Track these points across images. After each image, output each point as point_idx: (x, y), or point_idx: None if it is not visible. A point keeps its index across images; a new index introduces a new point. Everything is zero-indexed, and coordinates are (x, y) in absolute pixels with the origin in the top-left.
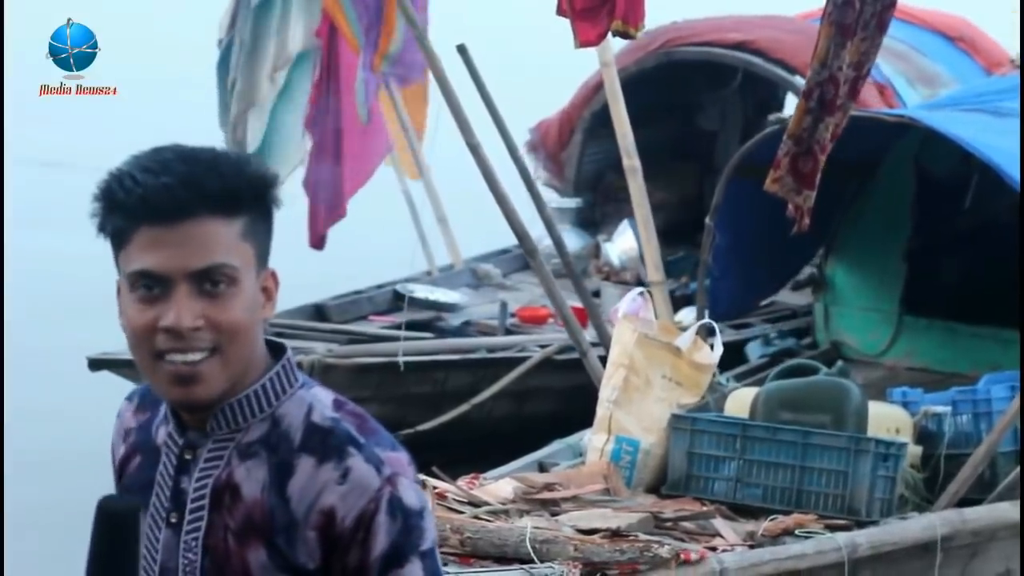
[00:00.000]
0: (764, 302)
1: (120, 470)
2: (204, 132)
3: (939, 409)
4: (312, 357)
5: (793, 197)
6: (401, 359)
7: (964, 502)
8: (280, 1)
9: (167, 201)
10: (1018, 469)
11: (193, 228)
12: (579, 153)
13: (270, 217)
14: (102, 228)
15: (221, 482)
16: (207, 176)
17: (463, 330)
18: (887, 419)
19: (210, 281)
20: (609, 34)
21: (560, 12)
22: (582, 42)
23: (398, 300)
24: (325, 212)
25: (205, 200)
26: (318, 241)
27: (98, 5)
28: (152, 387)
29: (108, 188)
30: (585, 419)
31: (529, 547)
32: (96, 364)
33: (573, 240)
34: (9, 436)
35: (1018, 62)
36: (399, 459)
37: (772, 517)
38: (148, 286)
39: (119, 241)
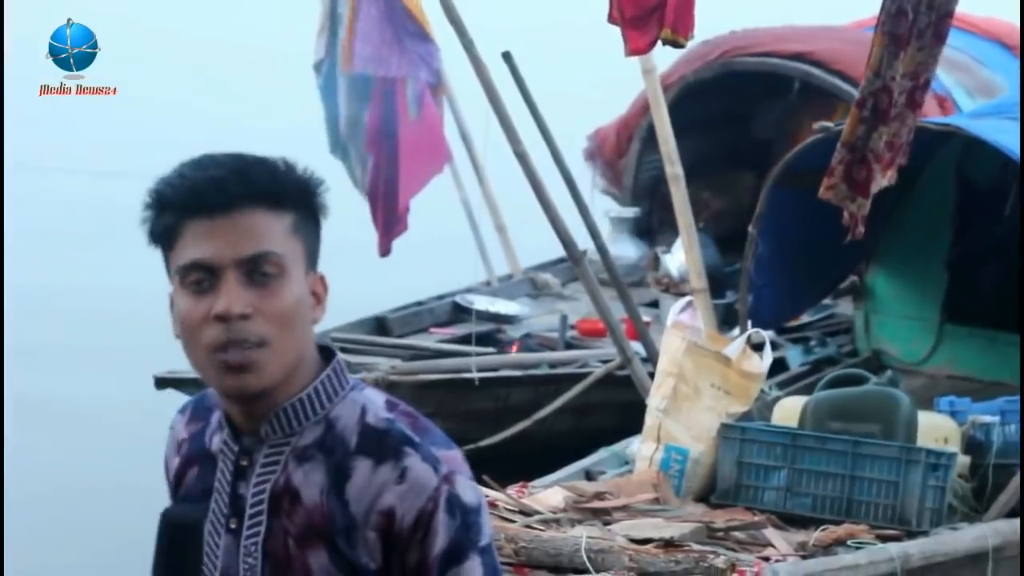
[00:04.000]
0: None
1: (176, 481)
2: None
3: (987, 419)
4: (376, 374)
5: (848, 204)
6: (476, 375)
7: (1014, 512)
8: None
9: (216, 192)
10: None
11: (242, 218)
12: (636, 161)
13: (317, 221)
14: (152, 232)
15: (279, 487)
16: (255, 170)
17: (523, 343)
18: (935, 429)
19: (259, 270)
20: (660, 43)
21: (611, 20)
22: (632, 50)
23: (459, 312)
24: (386, 224)
25: (253, 192)
26: (387, 250)
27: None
28: (206, 380)
29: (157, 190)
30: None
31: (584, 557)
32: (162, 383)
33: (631, 250)
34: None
35: None
36: (455, 457)
37: (823, 527)
38: (199, 279)
39: (169, 240)
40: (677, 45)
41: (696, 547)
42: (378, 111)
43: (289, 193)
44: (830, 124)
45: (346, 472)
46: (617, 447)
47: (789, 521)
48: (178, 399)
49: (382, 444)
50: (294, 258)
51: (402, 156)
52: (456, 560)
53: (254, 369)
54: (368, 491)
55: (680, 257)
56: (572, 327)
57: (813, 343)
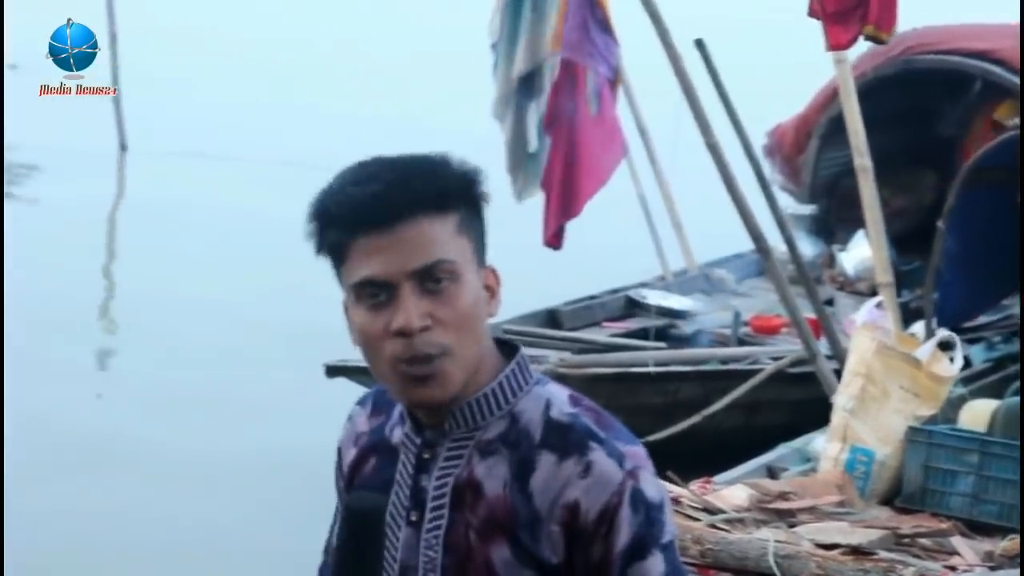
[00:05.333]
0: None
1: (351, 473)
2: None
3: None
4: (545, 367)
5: None
6: (653, 369)
7: None
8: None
9: (379, 207)
10: None
11: (408, 230)
12: (815, 158)
13: (481, 213)
14: (319, 247)
15: (462, 480)
16: (414, 177)
17: (695, 338)
18: None
19: (432, 279)
20: (861, 38)
21: (812, 14)
22: (833, 45)
23: (632, 306)
24: (560, 210)
25: (416, 200)
26: (553, 239)
27: None
28: (390, 392)
29: (320, 205)
30: (814, 430)
31: (772, 562)
32: (333, 371)
33: (807, 248)
34: None
35: None
36: (638, 452)
37: (1010, 536)
38: (374, 294)
39: (339, 256)
40: (879, 41)
41: (884, 555)
42: (558, 96)
43: (452, 192)
44: None
45: (530, 466)
46: (798, 443)
47: (975, 528)
48: (348, 387)
49: (567, 438)
50: (464, 259)
51: (582, 149)
52: (639, 556)
53: (438, 380)
54: (553, 485)
55: (856, 255)
56: (745, 323)
57: (997, 340)
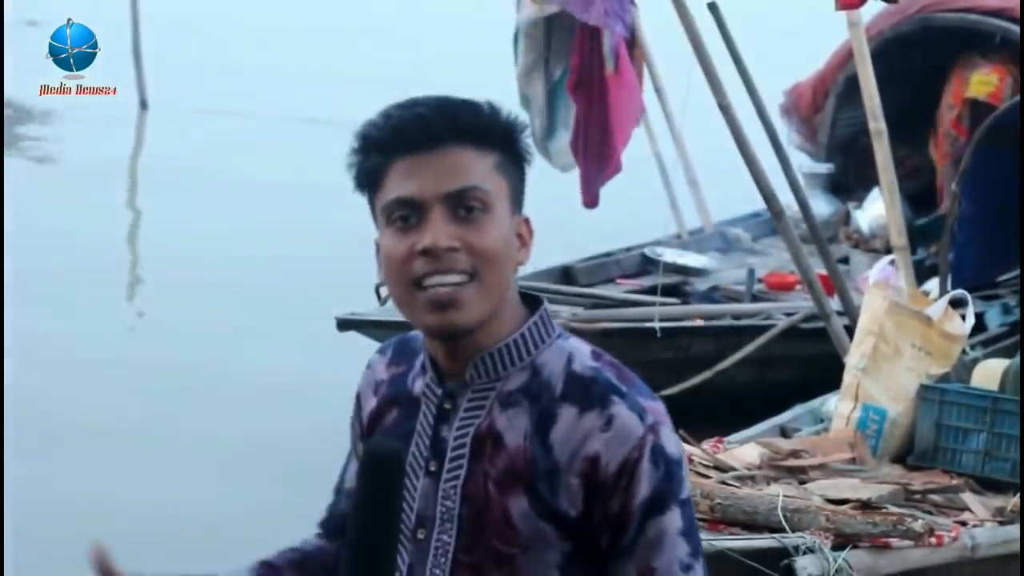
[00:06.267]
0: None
1: (370, 421)
2: None
3: None
4: (557, 322)
5: None
6: (657, 324)
7: None
8: None
9: (421, 130)
10: None
11: (447, 156)
12: (832, 118)
13: (522, 164)
14: (359, 175)
15: (482, 430)
16: (460, 109)
17: (710, 295)
18: None
19: (465, 206)
20: None
21: None
22: (843, 4)
23: (647, 264)
24: (596, 169)
25: (458, 130)
26: (592, 199)
27: None
28: (410, 319)
29: (363, 131)
30: (827, 387)
31: (780, 516)
32: (344, 324)
33: (823, 206)
34: None
35: None
36: (658, 408)
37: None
38: (404, 216)
39: (376, 181)
40: (891, 1)
41: (893, 509)
42: (581, 57)
43: (494, 132)
44: None
45: (551, 418)
46: (813, 404)
47: (986, 485)
48: (360, 341)
49: (588, 392)
50: (499, 195)
51: (610, 108)
52: (657, 510)
53: (459, 305)
54: (573, 437)
55: (871, 212)
56: (760, 280)
57: (1013, 303)
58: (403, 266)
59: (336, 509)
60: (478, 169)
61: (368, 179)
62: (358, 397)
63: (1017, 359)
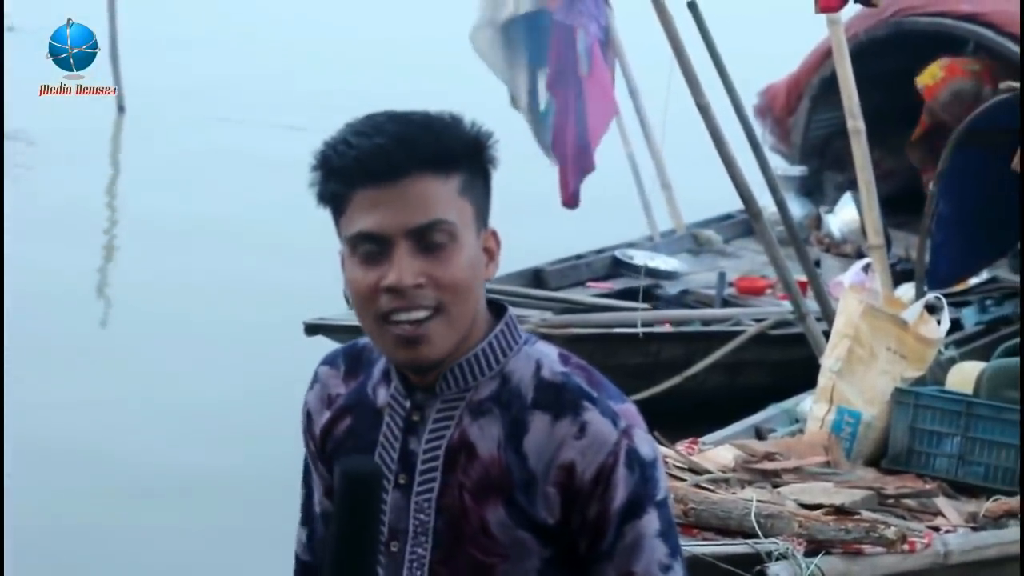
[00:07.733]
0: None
1: (323, 435)
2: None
3: None
4: (526, 327)
5: None
6: (633, 330)
7: None
8: None
9: (382, 162)
10: None
11: (409, 187)
12: (806, 119)
13: (487, 176)
14: (321, 196)
15: (454, 442)
16: (420, 135)
17: (680, 299)
18: None
19: (429, 239)
20: (851, 1)
21: None
22: (823, 7)
23: (617, 266)
24: (574, 168)
25: (419, 159)
26: (571, 199)
27: None
28: (380, 350)
29: (324, 156)
30: (798, 390)
31: (754, 521)
32: (312, 329)
33: (795, 209)
34: None
35: None
36: (630, 410)
37: (994, 498)
38: (369, 248)
39: (338, 207)
40: (870, 4)
41: (867, 515)
42: (557, 55)
43: (456, 154)
44: (1016, 84)
45: (523, 426)
46: (787, 404)
47: (960, 489)
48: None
49: (560, 398)
50: (464, 222)
51: (585, 106)
52: (634, 514)
53: (426, 340)
54: (548, 446)
55: (843, 217)
56: (731, 284)
57: (989, 303)
58: (369, 300)
59: (314, 540)
60: (442, 199)
61: (330, 203)
62: (308, 414)
63: (991, 362)
